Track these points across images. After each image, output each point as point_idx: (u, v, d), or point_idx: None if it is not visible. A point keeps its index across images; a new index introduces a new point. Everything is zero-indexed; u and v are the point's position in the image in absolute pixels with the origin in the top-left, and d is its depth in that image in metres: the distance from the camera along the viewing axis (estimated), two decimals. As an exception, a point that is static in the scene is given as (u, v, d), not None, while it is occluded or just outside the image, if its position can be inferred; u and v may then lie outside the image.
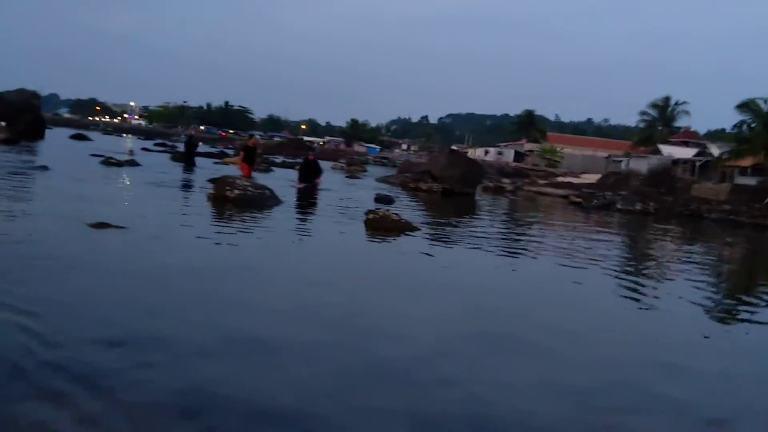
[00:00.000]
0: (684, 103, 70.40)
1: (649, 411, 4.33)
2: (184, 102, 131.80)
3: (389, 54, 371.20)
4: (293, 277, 7.56)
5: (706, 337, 6.69)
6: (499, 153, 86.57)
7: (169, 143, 53.76)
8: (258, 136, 52.07)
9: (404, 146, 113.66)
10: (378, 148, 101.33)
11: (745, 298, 9.61)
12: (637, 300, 8.22)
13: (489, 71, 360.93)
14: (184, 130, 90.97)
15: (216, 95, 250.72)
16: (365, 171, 40.61)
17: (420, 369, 4.66)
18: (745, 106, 41.06)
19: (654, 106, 70.43)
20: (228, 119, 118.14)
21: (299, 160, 38.15)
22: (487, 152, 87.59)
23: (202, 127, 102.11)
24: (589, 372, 5.09)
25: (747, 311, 8.32)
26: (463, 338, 5.61)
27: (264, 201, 14.21)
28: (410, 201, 20.75)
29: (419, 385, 4.33)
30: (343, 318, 5.86)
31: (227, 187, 14.03)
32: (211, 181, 16.39)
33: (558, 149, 76.21)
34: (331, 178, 28.28)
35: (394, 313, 6.28)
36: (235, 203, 13.50)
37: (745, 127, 41.81)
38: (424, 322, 6.02)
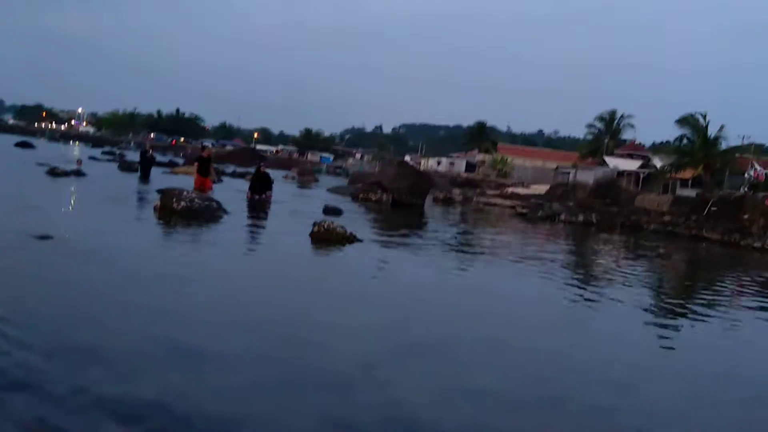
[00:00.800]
0: (629, 116, 72.44)
1: (557, 414, 4.66)
2: (134, 109, 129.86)
3: (344, 63, 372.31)
4: (228, 289, 7.69)
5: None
6: (451, 163, 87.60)
7: (118, 151, 52.93)
8: (209, 145, 51.67)
9: (358, 156, 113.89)
10: (332, 157, 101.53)
11: (662, 303, 10.13)
12: (569, 307, 8.61)
13: (443, 82, 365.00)
14: (133, 138, 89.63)
15: (167, 102, 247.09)
16: (317, 181, 40.78)
17: (344, 376, 4.89)
18: (685, 120, 42.59)
19: (601, 119, 72.28)
20: (179, 127, 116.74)
21: (251, 170, 38.08)
22: (439, 162, 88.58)
23: (152, 135, 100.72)
24: (505, 379, 5.39)
25: (660, 314, 8.80)
26: (388, 348, 5.85)
27: (211, 213, 14.24)
28: (359, 212, 21.01)
29: (343, 392, 4.57)
30: (272, 328, 6.03)
31: (173, 199, 14.01)
32: (159, 192, 16.34)
33: (508, 160, 77.54)
34: (282, 188, 28.35)
35: (323, 323, 6.48)
36: (181, 215, 13.47)
37: (685, 140, 43.33)
38: (350, 331, 6.24)
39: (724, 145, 42.12)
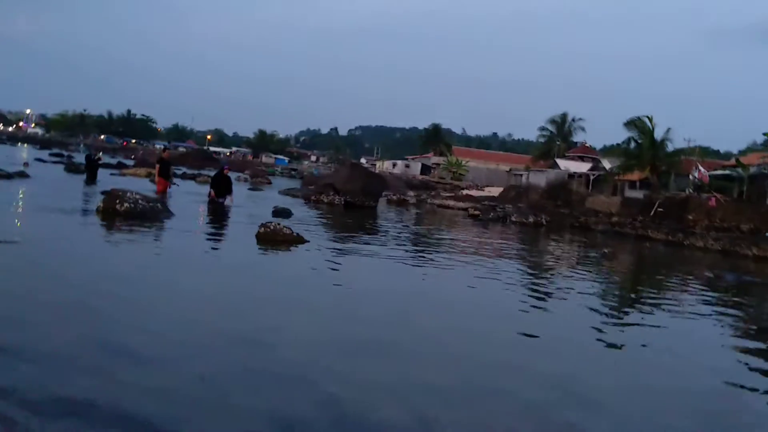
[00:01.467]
0: (580, 119, 73.94)
1: (485, 404, 4.71)
2: (84, 110, 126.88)
3: (300, 65, 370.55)
4: (164, 289, 7.59)
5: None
6: (407, 166, 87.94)
7: (66, 153, 51.70)
8: (161, 147, 50.88)
9: (313, 158, 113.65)
10: (287, 159, 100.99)
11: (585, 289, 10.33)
12: (512, 308, 8.71)
13: (399, 84, 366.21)
14: (84, 140, 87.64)
15: (118, 104, 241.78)
16: (270, 183, 40.47)
17: (281, 373, 4.86)
18: (632, 123, 43.54)
19: (552, 121, 73.58)
20: (130, 128, 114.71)
21: (204, 172, 37.63)
22: (394, 165, 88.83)
23: (102, 137, 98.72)
24: (440, 372, 5.41)
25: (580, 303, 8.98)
26: (320, 343, 5.83)
27: (155, 214, 14.01)
28: (311, 214, 20.92)
29: (281, 388, 4.55)
30: (205, 328, 5.96)
31: (117, 201, 13.77)
32: (103, 193, 16.00)
33: (463, 162, 78.27)
34: (234, 190, 28.08)
35: (258, 321, 6.45)
36: (125, 216, 13.25)
37: (633, 143, 44.28)
38: (285, 329, 6.22)
39: (670, 148, 43.17)
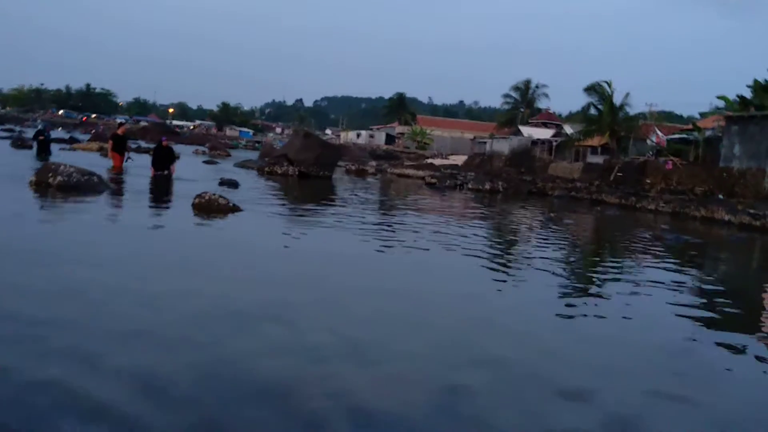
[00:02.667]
0: (544, 86, 74.04)
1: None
2: (41, 85, 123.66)
3: (263, 34, 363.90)
4: (77, 259, 7.38)
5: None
6: (371, 136, 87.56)
7: (18, 129, 50.36)
8: (121, 121, 49.75)
9: (278, 130, 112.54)
10: (251, 132, 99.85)
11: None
12: (438, 278, 8.63)
13: (366, 53, 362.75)
14: (41, 116, 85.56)
15: (76, 77, 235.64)
16: (228, 155, 39.91)
17: (168, 335, 4.71)
18: (592, 88, 43.63)
19: (516, 88, 73.59)
20: (90, 103, 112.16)
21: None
22: (359, 135, 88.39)
23: (60, 112, 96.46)
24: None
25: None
26: (212, 314, 5.67)
27: (91, 187, 13.67)
28: (260, 185, 20.64)
29: (169, 349, 4.44)
30: (104, 294, 5.81)
31: (50, 174, 13.44)
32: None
33: (427, 132, 78.09)
34: (188, 162, 27.64)
35: (160, 287, 6.31)
36: (59, 189, 13.00)
37: (592, 108, 44.42)
38: (185, 296, 6.09)
39: (630, 113, 43.41)
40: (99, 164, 19.53)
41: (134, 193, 14.70)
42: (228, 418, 3.57)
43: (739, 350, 6.06)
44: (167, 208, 13.60)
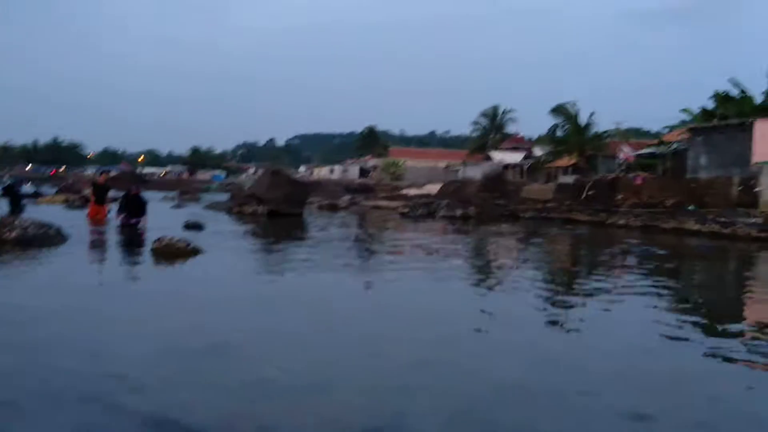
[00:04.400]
0: (511, 111, 74.92)
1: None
2: (7, 141, 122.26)
3: (232, 77, 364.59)
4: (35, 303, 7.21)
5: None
6: (345, 171, 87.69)
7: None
8: (97, 172, 48.91)
9: (251, 171, 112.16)
10: (224, 174, 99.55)
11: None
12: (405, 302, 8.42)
13: (335, 90, 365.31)
14: (7, 172, 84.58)
15: (44, 131, 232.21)
16: (198, 199, 39.54)
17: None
18: (558, 110, 44.25)
19: (484, 115, 74.36)
20: (58, 156, 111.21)
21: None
22: (332, 170, 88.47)
23: (29, 167, 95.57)
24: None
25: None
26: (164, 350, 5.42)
27: (49, 239, 13.36)
28: (227, 226, 20.35)
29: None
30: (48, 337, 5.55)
31: (5, 228, 13.11)
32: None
33: (400, 163, 78.36)
34: (155, 208, 27.18)
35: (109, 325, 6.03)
36: (15, 244, 12.66)
37: (559, 130, 45.00)
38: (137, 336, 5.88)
39: (597, 131, 44.00)
40: (64, 216, 19.19)
41: (96, 244, 14.38)
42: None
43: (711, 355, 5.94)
44: (124, 255, 13.28)
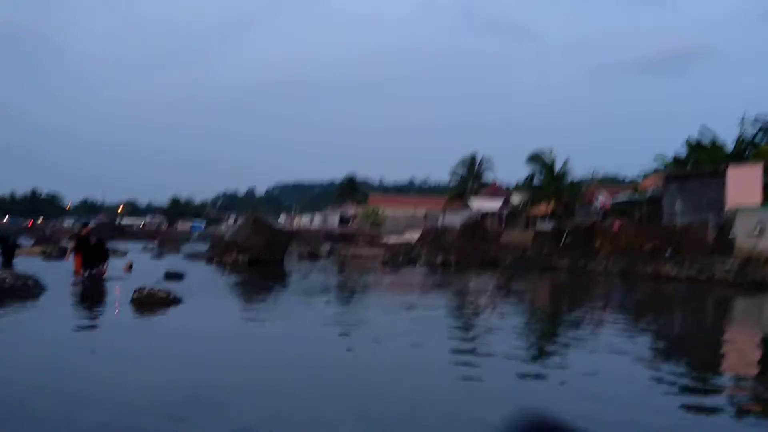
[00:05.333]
0: (489, 159, 75.78)
1: None
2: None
3: (210, 129, 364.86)
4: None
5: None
6: (325, 219, 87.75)
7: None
8: (78, 223, 48.18)
9: (231, 220, 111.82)
10: (203, 225, 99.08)
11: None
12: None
13: (314, 138, 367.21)
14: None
15: (21, 183, 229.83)
16: (178, 249, 39.28)
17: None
18: (534, 158, 44.89)
19: (462, 163, 75.11)
20: (36, 207, 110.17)
21: (116, 245, 35.86)
22: (312, 219, 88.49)
23: (6, 219, 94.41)
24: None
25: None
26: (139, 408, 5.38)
27: (26, 291, 13.20)
28: (208, 275, 20.24)
29: None
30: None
31: (-18, 280, 12.94)
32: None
33: (380, 210, 78.62)
34: (135, 259, 26.96)
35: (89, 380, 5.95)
36: (-8, 296, 12.48)
37: (535, 177, 45.57)
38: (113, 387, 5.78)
39: (573, 178, 44.63)
40: (41, 268, 18.94)
41: (73, 296, 14.21)
42: None
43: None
44: (106, 306, 13.11)
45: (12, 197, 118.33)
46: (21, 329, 9.54)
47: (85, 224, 25.24)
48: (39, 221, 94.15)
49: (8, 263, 21.38)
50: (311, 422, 5.19)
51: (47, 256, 27.74)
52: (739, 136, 34.42)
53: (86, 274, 17.30)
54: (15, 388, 5.97)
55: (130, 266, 19.84)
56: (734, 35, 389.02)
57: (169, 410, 5.33)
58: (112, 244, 25.65)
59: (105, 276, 17.42)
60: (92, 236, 18.91)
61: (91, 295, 14.76)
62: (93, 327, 10.08)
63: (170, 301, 11.74)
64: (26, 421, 4.97)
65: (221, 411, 5.38)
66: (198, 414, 5.28)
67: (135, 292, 11.94)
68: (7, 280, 13.24)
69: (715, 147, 34.68)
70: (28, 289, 13.35)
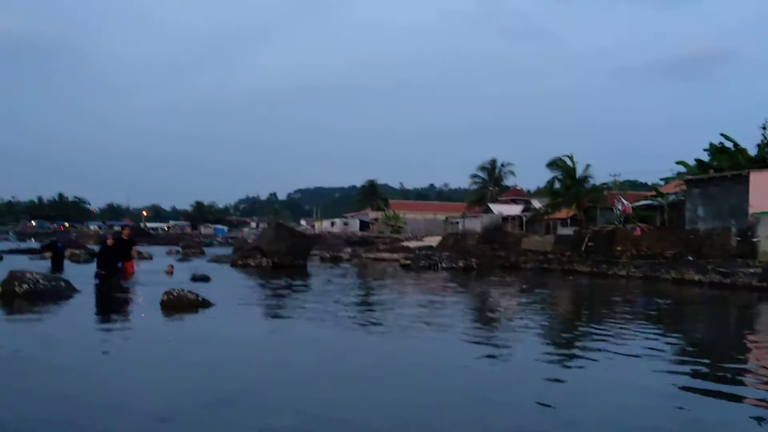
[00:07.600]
0: (509, 164, 75.90)
1: None
2: (12, 197, 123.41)
3: (233, 135, 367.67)
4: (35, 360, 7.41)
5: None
6: (345, 224, 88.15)
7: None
8: (128, 225, 48.88)
9: (253, 224, 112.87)
10: (226, 228, 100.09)
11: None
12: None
13: (335, 144, 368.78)
14: (12, 229, 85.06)
15: (48, 188, 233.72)
16: (203, 253, 39.79)
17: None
18: (555, 163, 44.84)
19: (483, 168, 75.24)
20: (63, 212, 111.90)
21: (140, 248, 36.44)
22: (333, 224, 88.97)
23: (33, 223, 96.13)
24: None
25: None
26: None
27: (59, 293, 13.66)
28: (234, 278, 20.59)
29: None
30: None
31: (15, 282, 13.37)
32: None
33: (401, 215, 78.90)
34: (161, 262, 27.44)
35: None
36: (25, 298, 12.93)
37: (557, 182, 45.52)
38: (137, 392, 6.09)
39: (594, 183, 44.55)
40: (70, 271, 19.38)
41: (104, 297, 14.60)
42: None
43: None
44: (136, 307, 13.41)
45: (39, 201, 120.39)
46: (51, 331, 9.83)
47: (125, 227, 26.02)
48: (65, 225, 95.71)
49: (59, 268, 22.10)
50: (346, 422, 5.40)
51: (75, 260, 28.21)
52: (762, 141, 34.17)
53: (104, 273, 17.32)
54: (42, 394, 6.04)
55: (172, 270, 20.45)
56: (757, 39, 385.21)
57: (201, 414, 5.46)
58: (139, 247, 26.06)
59: (131, 276, 17.84)
60: (108, 237, 19.19)
61: (119, 297, 15.13)
62: (122, 329, 10.29)
63: (199, 303, 12.04)
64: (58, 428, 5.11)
65: (261, 413, 5.58)
66: (237, 414, 5.47)
67: (164, 293, 12.24)
68: (40, 282, 13.66)
69: (738, 151, 34.47)
70: (60, 291, 13.80)
